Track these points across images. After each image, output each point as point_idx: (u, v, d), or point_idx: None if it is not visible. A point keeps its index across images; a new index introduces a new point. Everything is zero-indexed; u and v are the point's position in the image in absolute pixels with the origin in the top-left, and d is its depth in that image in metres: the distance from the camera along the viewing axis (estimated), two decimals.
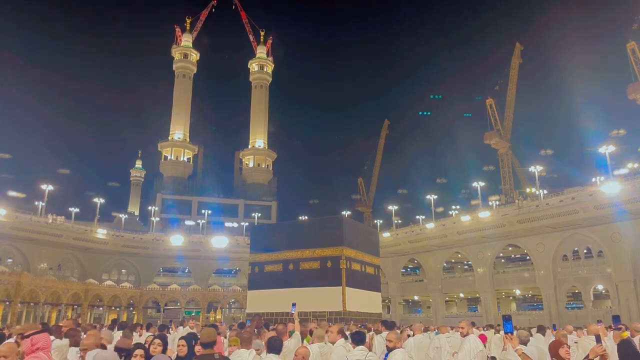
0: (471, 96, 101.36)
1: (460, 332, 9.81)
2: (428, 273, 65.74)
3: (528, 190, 69.22)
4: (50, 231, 59.22)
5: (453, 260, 68.78)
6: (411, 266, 74.09)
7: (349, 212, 74.56)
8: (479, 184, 63.24)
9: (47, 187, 61.32)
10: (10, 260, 60.26)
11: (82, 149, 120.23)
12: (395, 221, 71.78)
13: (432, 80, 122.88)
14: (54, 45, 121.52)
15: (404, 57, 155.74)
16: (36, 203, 61.48)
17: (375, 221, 77.64)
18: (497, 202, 68.70)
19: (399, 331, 12.20)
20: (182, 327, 16.57)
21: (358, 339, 6.88)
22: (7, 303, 47.45)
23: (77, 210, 65.61)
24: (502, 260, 65.27)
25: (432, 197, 66.72)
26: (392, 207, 71.95)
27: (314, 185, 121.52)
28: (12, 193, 69.07)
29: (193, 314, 61.51)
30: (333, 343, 7.77)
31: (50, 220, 60.23)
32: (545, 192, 58.68)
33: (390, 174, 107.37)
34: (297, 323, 9.59)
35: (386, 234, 67.11)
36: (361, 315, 30.44)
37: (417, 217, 70.64)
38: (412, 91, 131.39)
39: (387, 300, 67.21)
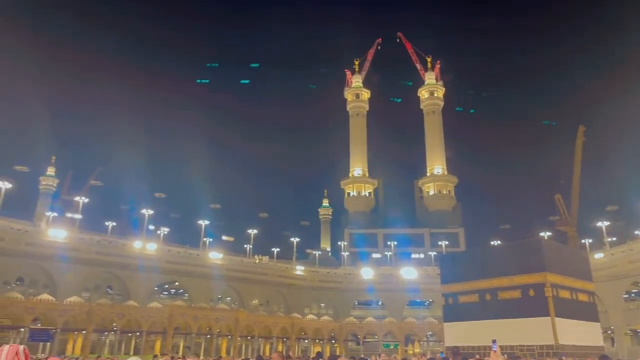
0: None
1: None
2: None
3: None
4: (258, 270, 66.62)
5: None
6: (636, 290, 63.06)
7: (548, 234, 67.27)
8: None
9: (252, 231, 69.37)
10: (228, 298, 68.99)
11: (276, 194, 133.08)
12: (608, 240, 62.43)
13: (626, 73, 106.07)
14: (241, 106, 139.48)
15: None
16: (244, 246, 69.87)
17: (583, 241, 68.58)
18: None
19: None
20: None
21: None
22: (229, 337, 54.06)
23: (277, 249, 72.63)
24: None
25: None
26: (603, 224, 62.91)
27: (502, 208, 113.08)
28: (224, 238, 79.36)
29: (391, 347, 61.64)
30: None
31: (257, 261, 67.80)
32: None
33: (594, 187, 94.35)
34: None
35: (599, 255, 58.82)
36: (578, 349, 26.72)
37: (636, 232, 60.39)
38: (608, 90, 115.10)
39: (609, 332, 58.01)
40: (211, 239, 67.66)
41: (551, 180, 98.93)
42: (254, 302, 67.58)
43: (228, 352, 51.19)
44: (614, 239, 64.77)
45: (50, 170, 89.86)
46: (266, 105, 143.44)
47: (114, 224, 62.83)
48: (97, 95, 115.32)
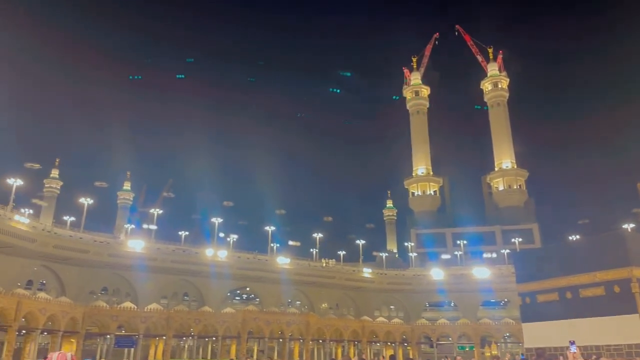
0: None
1: None
2: None
3: None
4: (325, 274, 67.08)
5: None
6: None
7: (632, 225, 62.54)
8: None
9: (317, 235, 69.96)
10: (298, 302, 69.90)
11: (340, 197, 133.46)
12: None
13: None
14: (306, 110, 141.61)
15: None
16: (311, 250, 70.56)
17: None
18: None
19: None
20: None
21: None
22: (301, 341, 54.71)
23: (343, 252, 72.74)
24: None
25: None
26: None
27: (580, 201, 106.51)
28: (291, 243, 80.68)
29: (467, 349, 59.77)
30: None
31: (324, 264, 68.29)
32: None
33: None
34: None
35: None
36: None
37: None
38: None
39: None
40: (278, 245, 69.10)
41: (635, 168, 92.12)
42: (323, 305, 68.02)
43: (300, 356, 51.87)
44: None
45: (127, 185, 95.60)
46: (329, 112, 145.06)
47: (187, 233, 65.90)
48: (168, 110, 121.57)
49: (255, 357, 50.51)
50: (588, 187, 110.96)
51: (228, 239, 65.41)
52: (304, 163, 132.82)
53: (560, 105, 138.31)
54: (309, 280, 65.69)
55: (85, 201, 57.05)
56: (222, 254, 60.19)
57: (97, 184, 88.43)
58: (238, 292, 70.46)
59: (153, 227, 61.74)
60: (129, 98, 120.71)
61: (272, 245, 67.05)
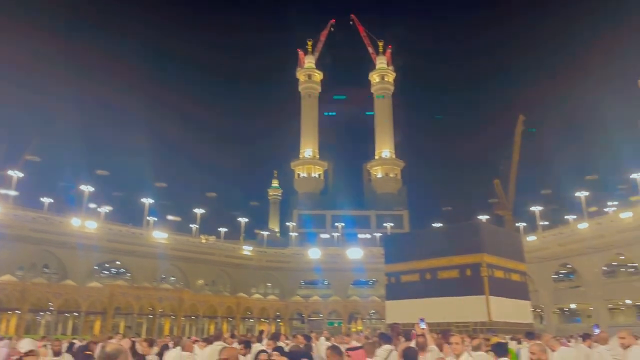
0: (621, 76, 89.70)
1: (622, 343, 8.65)
2: (585, 278, 59.21)
3: None
4: (204, 250, 65.73)
5: (615, 263, 61.05)
6: (564, 271, 67.40)
7: (486, 217, 70.44)
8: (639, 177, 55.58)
9: (199, 211, 68.22)
10: (173, 278, 67.83)
11: (225, 173, 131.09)
12: (541, 223, 66.16)
13: (569, 65, 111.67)
14: (193, 79, 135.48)
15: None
16: (190, 225, 68.66)
17: (518, 224, 72.31)
18: None
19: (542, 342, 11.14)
20: (323, 338, 17.03)
21: (500, 351, 6.40)
22: (173, 317, 53.36)
23: (225, 229, 71.89)
24: None
25: (582, 195, 60.32)
26: (536, 209, 66.51)
27: (445, 192, 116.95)
28: (170, 217, 77.64)
29: (335, 324, 62.97)
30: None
31: (203, 240, 66.90)
32: None
33: (531, 173, 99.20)
34: (430, 337, 9.26)
35: (531, 238, 62.15)
36: (510, 326, 28.29)
37: (566, 217, 64.34)
38: (548, 81, 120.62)
39: (538, 310, 61.86)
40: (156, 219, 66.09)
41: (492, 167, 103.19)
42: (199, 281, 66.80)
43: (171, 332, 50.53)
44: (546, 223, 68.69)
45: None
46: (218, 83, 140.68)
47: (52, 200, 60.28)
48: (36, 62, 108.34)
49: (122, 333, 48.07)
50: (455, 179, 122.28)
51: (100, 210, 61.20)
52: (189, 136, 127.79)
53: (438, 103, 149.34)
54: (186, 256, 63.80)
55: None
56: (92, 225, 56.01)
57: None
58: (107, 265, 66.44)
59: (12, 192, 55.42)
60: None
61: (148, 218, 64.02)
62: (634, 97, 76.21)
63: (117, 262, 64.18)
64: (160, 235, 61.65)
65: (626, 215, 52.77)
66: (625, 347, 8.45)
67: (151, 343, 13.06)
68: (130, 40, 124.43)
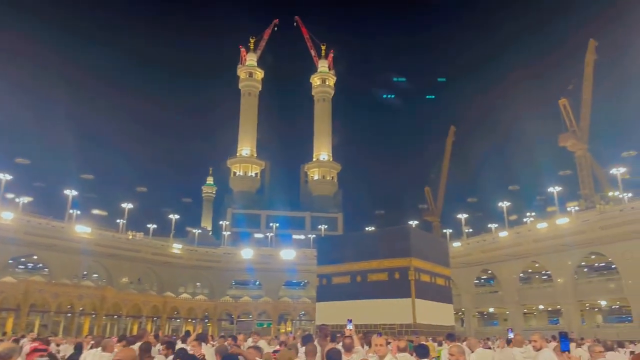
0: (543, 96, 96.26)
1: (533, 346, 9.30)
2: (503, 284, 62.85)
3: (610, 194, 64.31)
4: (130, 247, 62.99)
5: (530, 270, 65.29)
6: (485, 277, 71.17)
7: (416, 222, 72.97)
8: (555, 189, 59.86)
9: (127, 205, 65.35)
10: (95, 275, 64.55)
11: (157, 167, 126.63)
12: (466, 230, 69.49)
13: (498, 83, 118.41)
14: (126, 69, 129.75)
15: (461, 60, 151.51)
16: (117, 220, 65.64)
17: (445, 231, 75.54)
18: (576, 208, 64.56)
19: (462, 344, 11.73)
20: (250, 339, 16.86)
21: (422, 352, 6.65)
22: (94, 316, 50.80)
23: (154, 226, 69.43)
24: (585, 270, 61.10)
25: (504, 205, 64.01)
26: (462, 216, 69.78)
27: (379, 196, 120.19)
28: (95, 211, 73.94)
29: (265, 325, 62.64)
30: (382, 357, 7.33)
31: (130, 237, 64.10)
32: (629, 195, 54.42)
33: (459, 182, 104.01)
34: (357, 338, 9.46)
35: (456, 244, 65.11)
36: (432, 328, 29.47)
37: (489, 225, 68.03)
38: (479, 96, 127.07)
39: (460, 313, 64.88)
40: (80, 212, 62.55)
41: (424, 174, 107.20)
42: (124, 279, 63.97)
43: (91, 331, 48.07)
44: (471, 230, 72.26)
45: None
46: (156, 76, 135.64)
47: None
48: None
49: (36, 331, 45.11)
50: (388, 184, 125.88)
51: (17, 200, 57.07)
52: (122, 128, 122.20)
53: (376, 110, 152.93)
54: (111, 252, 60.84)
55: None
56: (8, 216, 52.10)
57: None
58: (23, 260, 62.15)
59: None
60: None
61: (71, 211, 60.43)
62: (553, 115, 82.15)
63: (35, 257, 60.18)
64: (83, 230, 58.39)
65: (542, 225, 56.65)
66: (537, 349, 9.07)
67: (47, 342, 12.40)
68: (58, 26, 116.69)
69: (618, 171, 54.44)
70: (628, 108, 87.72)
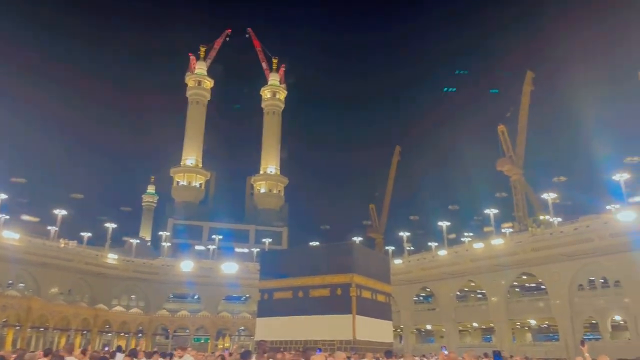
0: (482, 122, 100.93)
1: None
2: (440, 301, 64.54)
3: (542, 217, 68.08)
4: (62, 255, 59.49)
5: (466, 289, 67.48)
6: (424, 294, 72.81)
7: (360, 238, 73.81)
8: (491, 211, 62.50)
9: (59, 212, 61.95)
10: (22, 285, 60.46)
11: (95, 174, 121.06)
12: (407, 248, 71.02)
13: (439, 109, 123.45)
14: (67, 68, 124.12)
15: (409, 80, 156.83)
16: (49, 227, 61.98)
17: (387, 248, 76.86)
18: (511, 230, 67.73)
19: None
20: (188, 355, 16.26)
21: None
22: (18, 328, 47.48)
23: (89, 235, 66.09)
24: (517, 289, 63.89)
25: (444, 224, 66.06)
26: (404, 234, 71.28)
27: (325, 211, 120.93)
28: (25, 217, 69.51)
29: (202, 341, 60.88)
30: None
31: (62, 245, 60.62)
32: (559, 219, 57.80)
33: (402, 200, 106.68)
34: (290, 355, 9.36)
35: (398, 261, 66.33)
36: (371, 345, 29.67)
37: (429, 243, 69.88)
38: (422, 123, 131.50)
39: (399, 330, 65.89)
40: (8, 217, 58.60)
41: (369, 191, 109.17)
42: (53, 290, 60.27)
43: (14, 344, 44.89)
44: (412, 248, 73.94)
45: None
46: (100, 79, 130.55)
47: None
48: None
49: None
50: (334, 200, 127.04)
51: None
52: (57, 127, 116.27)
53: (326, 125, 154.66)
54: (41, 260, 57.15)
55: None
56: None
57: None
58: None
59: None
60: None
61: None
62: (492, 140, 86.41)
63: None
64: (10, 236, 54.67)
65: (478, 245, 58.88)
66: None
67: None
68: None
69: (549, 196, 57.64)
70: (561, 137, 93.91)
